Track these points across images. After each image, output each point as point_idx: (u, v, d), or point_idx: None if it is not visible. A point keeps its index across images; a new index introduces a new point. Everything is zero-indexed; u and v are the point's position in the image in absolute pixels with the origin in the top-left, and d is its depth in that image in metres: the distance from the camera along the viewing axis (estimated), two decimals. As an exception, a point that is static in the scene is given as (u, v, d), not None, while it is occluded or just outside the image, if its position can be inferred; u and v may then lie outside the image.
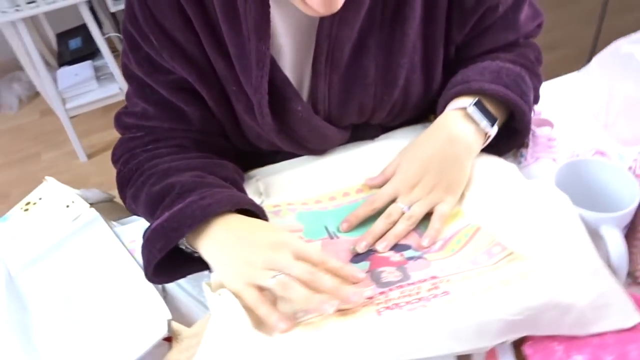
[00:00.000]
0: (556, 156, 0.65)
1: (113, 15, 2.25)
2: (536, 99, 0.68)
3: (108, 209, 0.74)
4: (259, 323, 0.48)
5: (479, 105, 0.62)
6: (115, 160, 0.69)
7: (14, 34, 1.90)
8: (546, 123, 0.67)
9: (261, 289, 0.50)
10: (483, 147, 0.63)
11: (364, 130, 0.73)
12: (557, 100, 0.71)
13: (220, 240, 0.54)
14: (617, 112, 0.61)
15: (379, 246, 0.58)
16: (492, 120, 0.62)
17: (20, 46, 1.97)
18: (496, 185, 0.60)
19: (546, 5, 0.78)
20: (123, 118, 0.69)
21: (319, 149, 0.72)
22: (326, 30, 0.58)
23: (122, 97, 1.96)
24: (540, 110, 0.69)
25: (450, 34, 0.65)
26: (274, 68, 0.60)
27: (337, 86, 0.63)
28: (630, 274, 0.52)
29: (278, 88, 0.61)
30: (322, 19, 0.58)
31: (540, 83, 0.70)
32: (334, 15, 0.53)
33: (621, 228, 0.50)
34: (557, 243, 0.49)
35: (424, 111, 0.74)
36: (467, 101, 0.63)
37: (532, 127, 0.65)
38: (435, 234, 0.58)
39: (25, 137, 2.25)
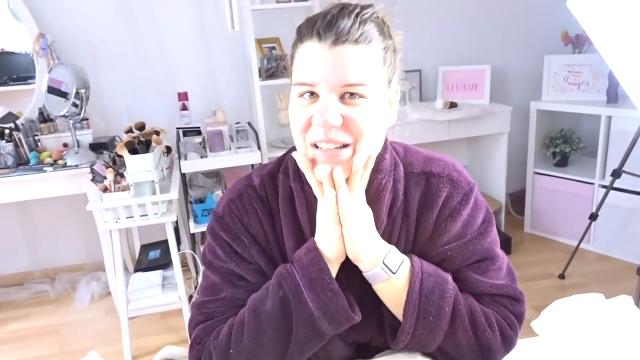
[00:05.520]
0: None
1: (192, 235, 2.61)
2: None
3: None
4: None
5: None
6: (197, 342, 0.79)
7: (108, 240, 2.25)
8: None
9: None
10: None
11: (365, 350, 0.83)
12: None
13: None
14: None
15: None
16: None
17: (109, 251, 2.29)
18: None
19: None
20: (208, 305, 0.81)
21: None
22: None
23: (180, 306, 2.14)
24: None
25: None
26: None
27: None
28: None
29: None
30: None
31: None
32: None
33: None
34: None
35: None
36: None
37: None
38: None
39: (84, 331, 2.43)
